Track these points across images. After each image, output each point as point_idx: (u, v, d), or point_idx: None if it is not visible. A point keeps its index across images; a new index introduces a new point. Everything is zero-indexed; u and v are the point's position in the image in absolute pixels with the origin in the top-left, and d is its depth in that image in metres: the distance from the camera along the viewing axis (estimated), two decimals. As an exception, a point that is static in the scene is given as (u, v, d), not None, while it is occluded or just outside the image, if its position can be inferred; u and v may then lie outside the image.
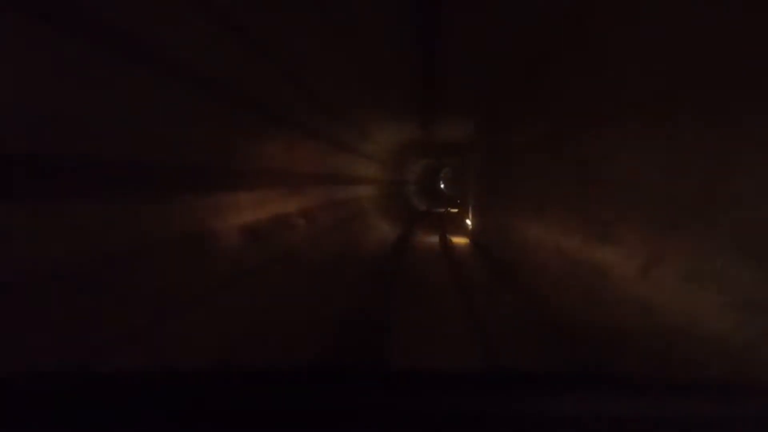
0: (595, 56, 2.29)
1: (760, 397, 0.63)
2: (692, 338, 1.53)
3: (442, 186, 12.30)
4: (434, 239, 7.20)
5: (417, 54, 3.05)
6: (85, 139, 1.42)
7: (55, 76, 1.26)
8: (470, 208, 7.49)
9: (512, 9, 2.34)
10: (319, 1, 2.15)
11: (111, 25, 1.37)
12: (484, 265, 4.98)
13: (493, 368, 2.35)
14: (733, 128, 1.40)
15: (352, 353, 2.30)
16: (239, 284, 2.36)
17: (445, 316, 3.46)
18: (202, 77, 1.94)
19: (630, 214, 2.05)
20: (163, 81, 1.72)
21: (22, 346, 1.14)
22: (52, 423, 0.57)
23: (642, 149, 1.94)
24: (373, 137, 6.57)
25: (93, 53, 1.35)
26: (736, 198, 1.39)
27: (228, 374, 0.67)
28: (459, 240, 7.10)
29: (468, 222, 7.77)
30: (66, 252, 1.34)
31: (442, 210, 10.82)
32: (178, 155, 1.95)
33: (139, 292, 1.62)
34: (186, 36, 1.73)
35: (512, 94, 4.05)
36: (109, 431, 0.57)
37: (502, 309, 3.50)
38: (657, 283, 1.78)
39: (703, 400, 0.61)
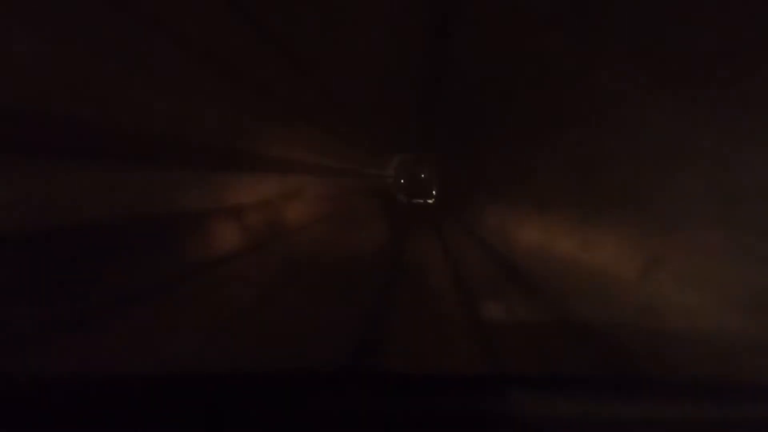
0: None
1: (760, 397, 0.63)
2: (692, 338, 1.53)
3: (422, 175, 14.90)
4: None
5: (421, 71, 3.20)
6: (90, 103, 1.43)
7: (73, 44, 1.28)
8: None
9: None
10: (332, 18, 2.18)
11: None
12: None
13: (491, 369, 2.35)
14: (733, 126, 1.41)
15: (347, 354, 2.29)
16: (226, 281, 2.34)
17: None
18: (212, 57, 1.95)
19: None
20: (174, 57, 1.73)
21: (18, 346, 1.14)
22: (51, 424, 0.57)
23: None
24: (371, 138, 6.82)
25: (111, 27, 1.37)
26: (737, 196, 1.39)
27: (220, 378, 0.67)
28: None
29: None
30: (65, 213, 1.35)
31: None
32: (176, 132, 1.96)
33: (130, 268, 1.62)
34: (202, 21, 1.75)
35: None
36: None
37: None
38: (656, 283, 1.78)
39: (703, 400, 0.61)
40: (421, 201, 12.98)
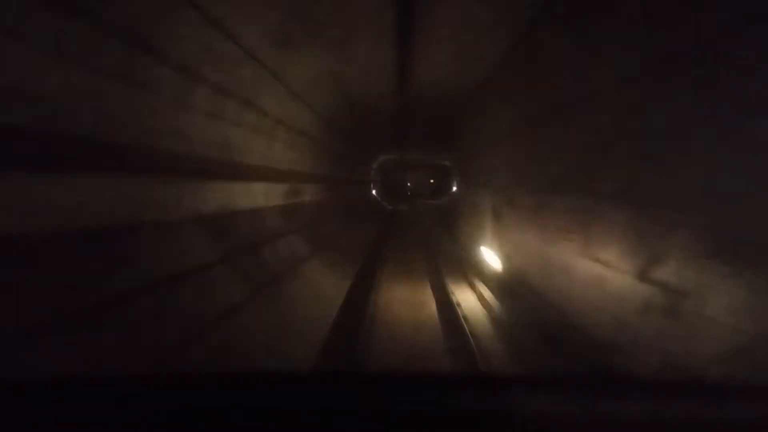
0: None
1: (760, 397, 0.62)
2: (692, 338, 1.53)
3: (408, 184, 15.08)
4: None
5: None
6: (86, 119, 1.44)
7: (69, 65, 1.29)
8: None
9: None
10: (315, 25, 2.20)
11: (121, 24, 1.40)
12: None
13: (490, 369, 2.34)
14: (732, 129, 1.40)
15: (333, 355, 2.29)
16: (208, 284, 2.31)
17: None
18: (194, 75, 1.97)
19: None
20: (161, 77, 1.74)
21: (19, 347, 1.14)
22: (51, 424, 0.57)
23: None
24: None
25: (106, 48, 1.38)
26: (735, 196, 1.39)
27: (218, 377, 0.66)
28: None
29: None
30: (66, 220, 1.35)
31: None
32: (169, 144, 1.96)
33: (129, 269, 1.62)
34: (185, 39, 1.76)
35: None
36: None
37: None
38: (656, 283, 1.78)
39: (703, 400, 0.61)
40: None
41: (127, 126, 1.64)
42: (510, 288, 3.83)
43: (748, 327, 1.33)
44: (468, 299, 4.12)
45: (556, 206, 3.04)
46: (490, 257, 4.66)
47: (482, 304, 3.95)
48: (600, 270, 2.30)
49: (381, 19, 2.67)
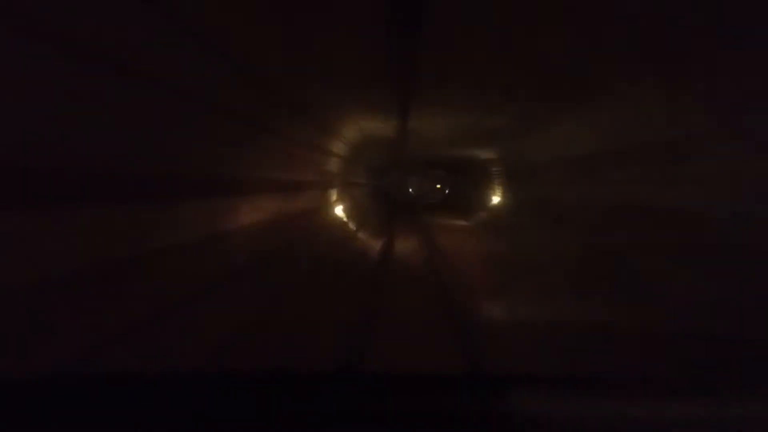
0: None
1: (760, 397, 0.62)
2: (692, 338, 1.53)
3: (410, 190, 15.17)
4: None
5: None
6: (78, 150, 1.43)
7: (51, 91, 1.26)
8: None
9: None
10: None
11: (102, 47, 1.37)
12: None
13: (490, 369, 2.35)
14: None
15: (329, 355, 2.27)
16: (214, 289, 2.30)
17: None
18: (177, 87, 1.87)
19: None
20: (147, 94, 1.71)
21: (21, 348, 1.14)
22: (50, 424, 0.57)
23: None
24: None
25: (85, 71, 1.35)
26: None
27: (218, 377, 0.66)
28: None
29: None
30: (66, 256, 1.34)
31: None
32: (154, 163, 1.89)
33: (136, 296, 1.61)
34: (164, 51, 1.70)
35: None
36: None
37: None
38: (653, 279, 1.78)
39: (703, 400, 0.61)
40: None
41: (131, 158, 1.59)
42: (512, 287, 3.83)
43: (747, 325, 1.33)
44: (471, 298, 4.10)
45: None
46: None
47: (484, 303, 3.94)
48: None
49: None
